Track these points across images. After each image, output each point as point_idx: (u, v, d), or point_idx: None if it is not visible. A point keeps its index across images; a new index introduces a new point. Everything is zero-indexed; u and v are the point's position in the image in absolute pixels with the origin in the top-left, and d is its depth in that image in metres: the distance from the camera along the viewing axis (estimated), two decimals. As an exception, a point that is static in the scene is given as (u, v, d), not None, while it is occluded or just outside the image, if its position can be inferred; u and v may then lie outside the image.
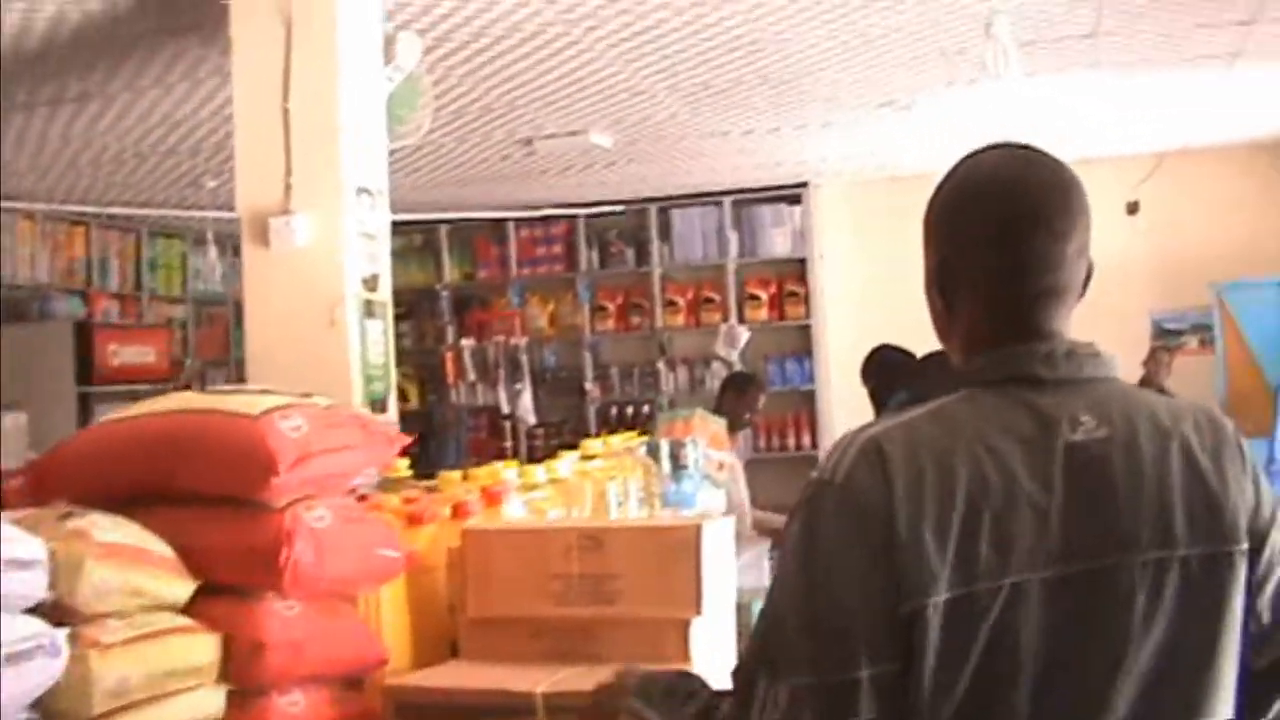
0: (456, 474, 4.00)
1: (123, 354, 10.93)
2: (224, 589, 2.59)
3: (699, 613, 2.80)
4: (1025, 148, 2.14)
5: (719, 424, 6.09)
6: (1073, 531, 1.92)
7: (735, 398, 8.62)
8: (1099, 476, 1.96)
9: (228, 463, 2.59)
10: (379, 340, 5.67)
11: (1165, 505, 1.97)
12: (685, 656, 2.75)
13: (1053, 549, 1.91)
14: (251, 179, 5.63)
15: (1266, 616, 2.04)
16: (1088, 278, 2.12)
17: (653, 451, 5.46)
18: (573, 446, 12.05)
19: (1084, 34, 7.67)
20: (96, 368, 10.70)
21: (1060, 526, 1.92)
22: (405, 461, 4.15)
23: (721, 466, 5.90)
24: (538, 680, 2.64)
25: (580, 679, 2.64)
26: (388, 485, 3.97)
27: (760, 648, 1.98)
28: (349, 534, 2.75)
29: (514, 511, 3.80)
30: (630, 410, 12.80)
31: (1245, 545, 2.00)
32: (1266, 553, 2.03)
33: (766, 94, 8.64)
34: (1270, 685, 2.07)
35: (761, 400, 9.02)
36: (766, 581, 5.56)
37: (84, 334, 10.83)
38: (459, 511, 3.36)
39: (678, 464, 5.47)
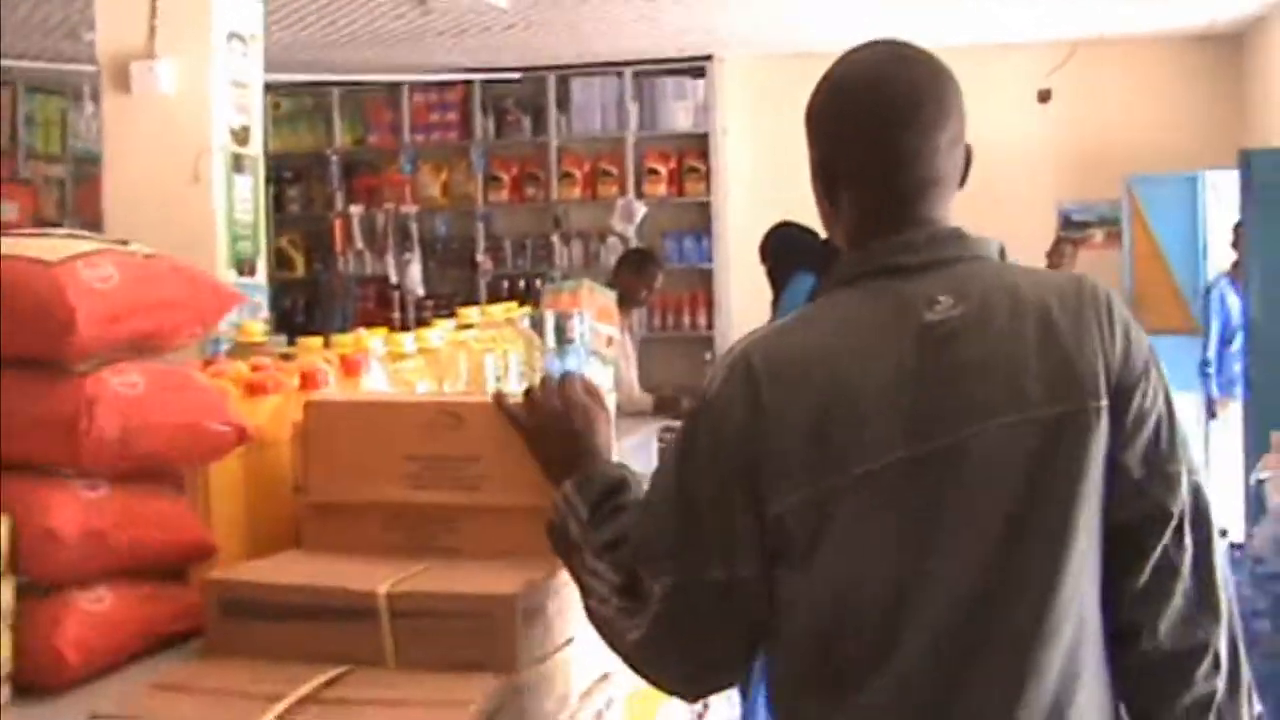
0: (316, 340, 3.62)
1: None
2: (17, 466, 2.21)
3: (571, 501, 2.43)
4: (898, 44, 2.20)
5: (609, 297, 5.72)
6: (924, 409, 1.99)
7: (632, 275, 8.28)
8: (951, 352, 2.01)
9: (18, 317, 2.16)
10: (248, 198, 5.28)
11: (1017, 371, 2.01)
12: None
13: (906, 430, 1.98)
14: (113, 20, 5.25)
15: (1138, 471, 2.04)
16: (967, 165, 2.19)
17: (536, 323, 5.11)
18: (465, 317, 11.74)
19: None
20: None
21: (911, 406, 1.99)
22: (260, 326, 3.78)
23: (610, 342, 5.55)
24: (384, 578, 2.26)
25: (434, 578, 2.30)
26: (239, 351, 3.59)
27: (639, 542, 2.12)
28: (167, 403, 2.34)
29: (376, 383, 3.43)
30: (523, 283, 12.35)
31: (1105, 402, 2.02)
32: (1135, 405, 2.05)
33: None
34: (1132, 541, 2.05)
35: (659, 279, 8.68)
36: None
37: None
38: (309, 381, 2.95)
39: (563, 337, 5.12)
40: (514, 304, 4.89)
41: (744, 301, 11.43)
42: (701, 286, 12.51)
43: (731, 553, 2.03)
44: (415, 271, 12.20)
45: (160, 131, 5.14)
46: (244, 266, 5.23)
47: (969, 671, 1.96)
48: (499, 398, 2.48)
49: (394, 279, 12.35)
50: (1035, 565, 1.97)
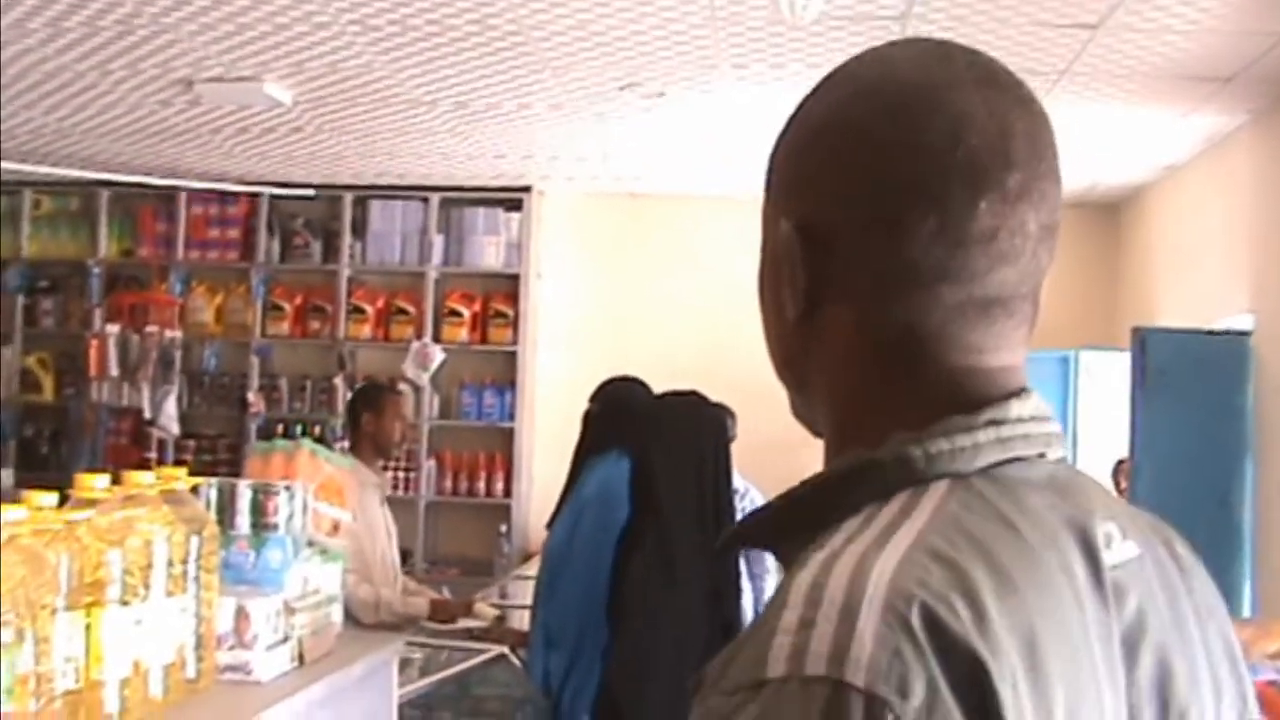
0: None
1: None
2: None
3: None
4: (958, 46, 1.30)
5: (340, 465, 4.29)
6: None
7: (374, 417, 6.66)
8: (1146, 626, 1.23)
9: None
10: None
11: (1214, 655, 1.31)
12: None
13: None
14: None
15: None
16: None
17: (224, 497, 3.63)
18: (230, 465, 10.12)
19: (893, 15, 6.05)
20: None
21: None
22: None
23: (337, 528, 4.08)
24: None
25: None
26: None
27: None
28: None
29: None
30: (300, 429, 10.87)
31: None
32: None
33: (483, 49, 6.84)
34: None
35: (407, 408, 7.12)
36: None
37: None
38: None
39: (260, 521, 3.65)
40: (182, 469, 3.39)
41: (547, 466, 10.09)
42: (500, 447, 11.13)
43: None
44: (170, 407, 10.72)
45: None
46: None
47: None
48: None
49: (148, 413, 10.80)
50: None
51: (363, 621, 5.99)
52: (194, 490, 3.45)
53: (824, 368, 1.28)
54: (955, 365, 1.25)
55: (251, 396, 11.30)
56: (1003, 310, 1.26)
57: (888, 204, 1.23)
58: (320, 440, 9.90)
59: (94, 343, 11.21)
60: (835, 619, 1.06)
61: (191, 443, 11.14)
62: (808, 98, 1.33)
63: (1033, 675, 1.10)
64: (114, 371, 11.07)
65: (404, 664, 5.54)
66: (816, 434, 1.33)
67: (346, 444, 7.39)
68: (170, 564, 3.06)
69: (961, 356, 1.25)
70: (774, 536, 1.28)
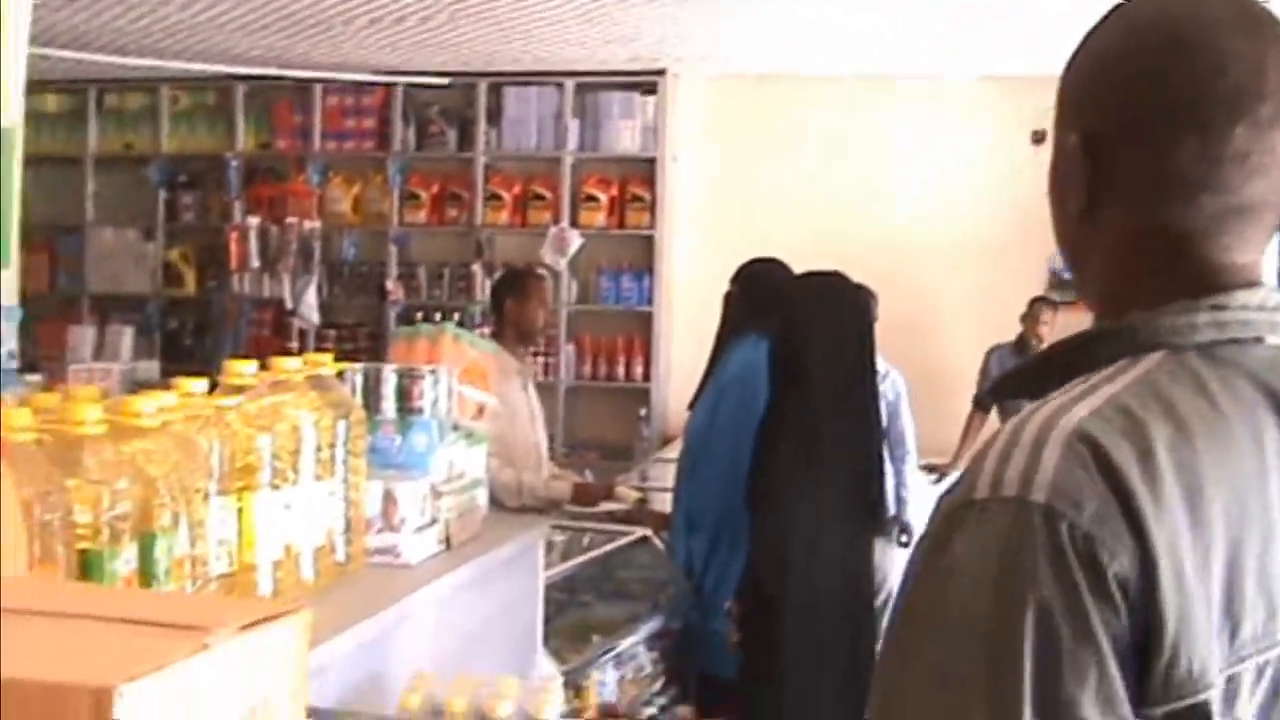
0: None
1: None
2: None
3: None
4: None
5: (484, 350, 4.29)
6: None
7: (517, 304, 6.58)
8: None
9: None
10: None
11: None
12: None
13: None
14: None
15: None
16: None
17: (369, 383, 3.65)
18: (371, 353, 10.11)
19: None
20: None
21: None
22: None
23: (482, 411, 4.08)
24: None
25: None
26: None
27: None
28: None
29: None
30: (439, 317, 10.91)
31: None
32: None
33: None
34: None
35: (549, 294, 7.07)
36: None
37: None
38: None
39: (406, 405, 3.66)
40: (327, 355, 3.41)
41: (686, 350, 10.06)
42: (639, 331, 11.10)
43: None
44: (310, 297, 10.78)
45: None
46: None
47: None
48: None
49: (289, 303, 10.90)
50: None
51: (507, 505, 6.01)
52: (339, 375, 3.47)
53: (1097, 256, 1.56)
54: (1203, 260, 1.50)
55: (390, 285, 11.36)
56: (1254, 216, 1.51)
57: (1158, 125, 1.50)
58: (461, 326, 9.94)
59: (234, 235, 11.32)
60: (1026, 453, 1.36)
61: (332, 332, 11.19)
62: (1094, 30, 1.59)
63: (1193, 518, 1.35)
64: (254, 263, 11.18)
65: (547, 547, 5.57)
66: (1092, 309, 1.59)
67: (488, 330, 7.40)
68: (318, 448, 3.08)
69: (1210, 254, 1.50)
70: (1024, 388, 1.56)
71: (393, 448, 3.61)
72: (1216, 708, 1.37)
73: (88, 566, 2.19)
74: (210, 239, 11.69)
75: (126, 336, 10.58)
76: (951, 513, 1.38)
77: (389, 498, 3.47)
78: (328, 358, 3.39)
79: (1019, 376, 1.68)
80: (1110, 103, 1.55)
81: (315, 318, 10.90)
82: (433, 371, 3.71)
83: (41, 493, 2.02)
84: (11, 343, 4.02)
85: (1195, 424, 1.40)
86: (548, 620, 4.83)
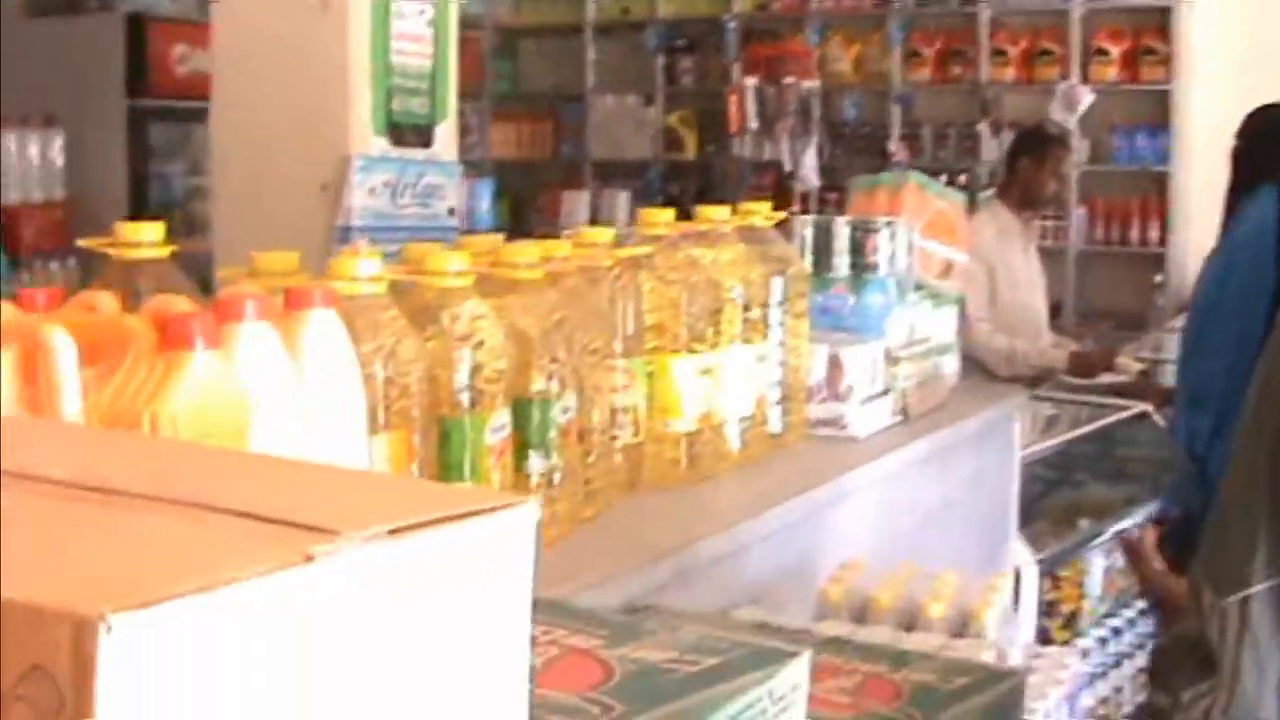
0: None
1: (193, 59, 7.81)
2: None
3: None
4: None
5: (953, 202, 3.88)
6: None
7: (1033, 165, 6.23)
8: None
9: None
10: (422, 34, 3.60)
11: None
12: None
13: None
14: None
15: None
16: None
17: (820, 237, 3.32)
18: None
19: None
20: (154, 75, 8.05)
21: None
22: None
23: (950, 269, 3.69)
24: None
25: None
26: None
27: None
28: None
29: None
30: (944, 179, 10.52)
31: None
32: None
33: None
34: None
35: (1067, 164, 6.66)
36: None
37: (138, 30, 8.07)
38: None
39: (861, 262, 3.33)
40: (764, 204, 3.11)
41: (1205, 212, 9.34)
42: (1154, 192, 10.46)
43: None
44: (810, 158, 10.50)
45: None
46: (410, 135, 3.55)
47: None
48: None
49: (788, 166, 10.67)
50: None
51: (997, 374, 5.66)
52: (780, 226, 3.16)
53: None
54: None
55: (893, 146, 11.06)
56: None
57: None
58: (966, 190, 9.54)
59: (733, 98, 11.09)
60: None
61: (834, 195, 10.88)
62: None
63: None
64: (753, 125, 10.98)
65: (1036, 420, 5.17)
66: None
67: (992, 191, 7.08)
68: (746, 307, 2.78)
69: None
70: None
71: (845, 308, 3.29)
72: None
73: (446, 435, 1.94)
74: (709, 102, 11.59)
75: (621, 200, 10.61)
76: None
77: (834, 363, 3.14)
78: (763, 206, 3.09)
79: None
80: None
81: (816, 180, 10.62)
82: (890, 224, 3.36)
83: (386, 349, 1.77)
84: (452, 200, 3.86)
85: None
86: (1030, 501, 4.44)
